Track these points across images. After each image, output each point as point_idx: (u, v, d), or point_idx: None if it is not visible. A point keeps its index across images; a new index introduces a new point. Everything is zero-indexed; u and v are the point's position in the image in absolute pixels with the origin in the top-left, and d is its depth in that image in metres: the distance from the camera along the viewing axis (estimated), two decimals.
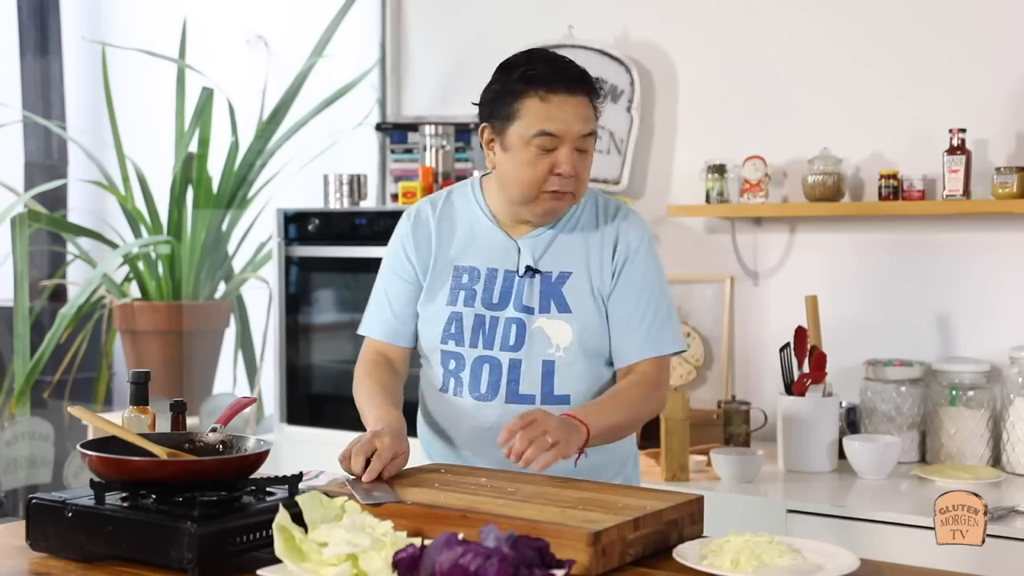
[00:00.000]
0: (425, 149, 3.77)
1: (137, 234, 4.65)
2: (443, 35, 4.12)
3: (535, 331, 2.15)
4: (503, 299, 2.17)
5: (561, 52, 3.96)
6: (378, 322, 2.28)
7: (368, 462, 1.94)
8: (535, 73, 2.09)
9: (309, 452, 3.37)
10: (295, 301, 3.75)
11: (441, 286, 2.21)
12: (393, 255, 2.28)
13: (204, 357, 4.65)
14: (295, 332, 3.74)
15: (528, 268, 2.17)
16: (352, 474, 1.95)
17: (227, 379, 4.70)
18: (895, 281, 3.33)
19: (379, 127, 4.11)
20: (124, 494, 1.73)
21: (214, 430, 1.93)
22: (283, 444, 3.61)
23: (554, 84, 2.08)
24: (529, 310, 2.16)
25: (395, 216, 3.54)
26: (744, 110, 3.55)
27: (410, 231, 2.25)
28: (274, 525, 1.55)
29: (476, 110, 2.20)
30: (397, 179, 3.91)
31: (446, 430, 2.25)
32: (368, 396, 2.17)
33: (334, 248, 3.67)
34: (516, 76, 2.10)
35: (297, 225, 3.73)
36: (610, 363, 2.21)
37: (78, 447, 1.78)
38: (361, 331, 2.31)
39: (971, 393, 3.07)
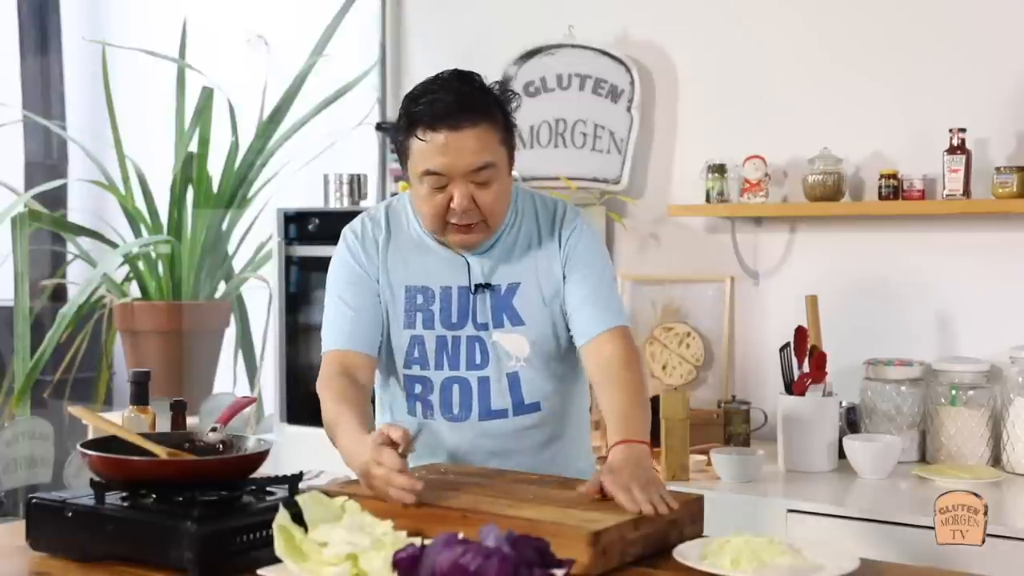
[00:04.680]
0: None
1: (137, 234, 4.65)
2: (443, 35, 4.12)
3: (493, 346, 2.12)
4: (461, 318, 2.12)
5: (561, 52, 3.90)
6: (336, 331, 2.11)
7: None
8: (416, 111, 2.01)
9: (309, 452, 3.36)
10: (295, 301, 3.75)
11: (394, 309, 2.14)
12: (344, 271, 2.17)
13: (204, 357, 4.65)
14: (295, 332, 3.74)
15: (478, 285, 2.12)
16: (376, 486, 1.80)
17: (227, 379, 4.70)
18: (895, 281, 3.33)
19: (379, 127, 4.10)
20: (124, 494, 1.73)
21: (214, 430, 1.93)
22: (283, 444, 3.61)
23: (434, 123, 1.99)
24: (484, 327, 2.12)
25: None
26: (744, 110, 3.54)
27: (360, 247, 2.17)
28: (274, 525, 1.55)
29: None
30: (397, 179, 3.91)
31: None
32: (337, 422, 1.98)
33: (334, 248, 3.65)
34: (402, 113, 2.05)
35: (297, 225, 3.72)
36: (564, 357, 2.16)
37: (78, 447, 1.78)
38: (324, 350, 2.12)
39: (971, 393, 3.07)
